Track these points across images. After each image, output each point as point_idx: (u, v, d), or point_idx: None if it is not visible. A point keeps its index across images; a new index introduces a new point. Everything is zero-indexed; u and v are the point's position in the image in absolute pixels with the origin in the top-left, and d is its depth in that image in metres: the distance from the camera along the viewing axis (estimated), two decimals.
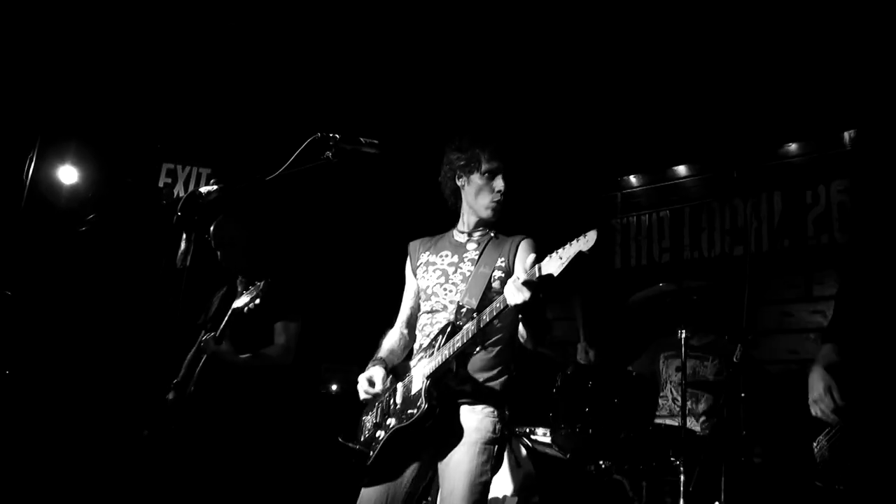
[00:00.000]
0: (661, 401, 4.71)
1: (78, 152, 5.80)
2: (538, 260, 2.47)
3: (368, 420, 3.00)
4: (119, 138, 5.96)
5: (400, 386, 2.92)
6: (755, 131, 5.39)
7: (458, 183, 3.08)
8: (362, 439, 2.97)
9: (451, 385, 2.80)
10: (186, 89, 5.84)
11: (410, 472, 2.87)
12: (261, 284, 3.81)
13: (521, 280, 2.47)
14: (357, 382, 3.01)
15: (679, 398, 4.53)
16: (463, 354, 2.78)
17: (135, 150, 6.01)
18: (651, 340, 4.95)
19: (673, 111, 5.54)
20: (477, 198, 3.04)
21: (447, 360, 2.74)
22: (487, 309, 2.66)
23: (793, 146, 5.43)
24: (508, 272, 2.93)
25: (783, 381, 4.66)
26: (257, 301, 3.78)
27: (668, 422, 4.50)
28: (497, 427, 2.80)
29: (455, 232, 3.16)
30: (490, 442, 2.76)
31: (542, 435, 4.70)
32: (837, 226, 5.14)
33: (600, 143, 6.02)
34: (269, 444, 4.02)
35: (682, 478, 3.68)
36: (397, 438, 2.82)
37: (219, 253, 4.17)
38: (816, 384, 2.75)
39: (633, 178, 6.27)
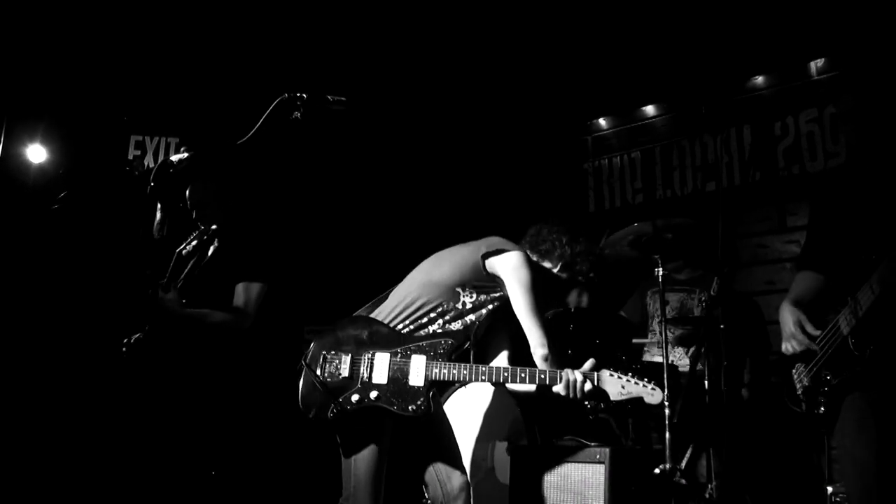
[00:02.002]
0: (649, 335, 4.78)
1: (46, 131, 5.70)
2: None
3: (333, 365, 2.93)
4: (85, 114, 5.86)
5: (388, 359, 2.91)
6: (721, 66, 5.38)
7: (548, 258, 3.21)
8: (324, 380, 2.91)
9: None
10: (149, 59, 5.74)
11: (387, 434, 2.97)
12: (203, 228, 3.72)
13: (587, 389, 2.82)
14: None
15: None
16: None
17: (102, 124, 5.92)
18: (637, 283, 5.00)
19: (638, 50, 5.52)
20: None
21: (454, 381, 2.88)
22: (528, 371, 2.91)
23: (759, 79, 5.44)
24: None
25: (764, 310, 4.74)
26: (194, 243, 3.72)
27: (657, 358, 4.56)
28: None
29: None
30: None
31: None
32: (808, 156, 5.18)
33: (568, 88, 6.00)
34: (232, 409, 3.94)
35: (666, 412, 3.75)
36: (377, 412, 2.88)
37: (194, 213, 4.04)
38: (787, 321, 2.79)
39: (602, 121, 6.27)
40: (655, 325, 4.76)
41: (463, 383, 2.97)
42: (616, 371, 2.88)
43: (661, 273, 4.09)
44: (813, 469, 4.12)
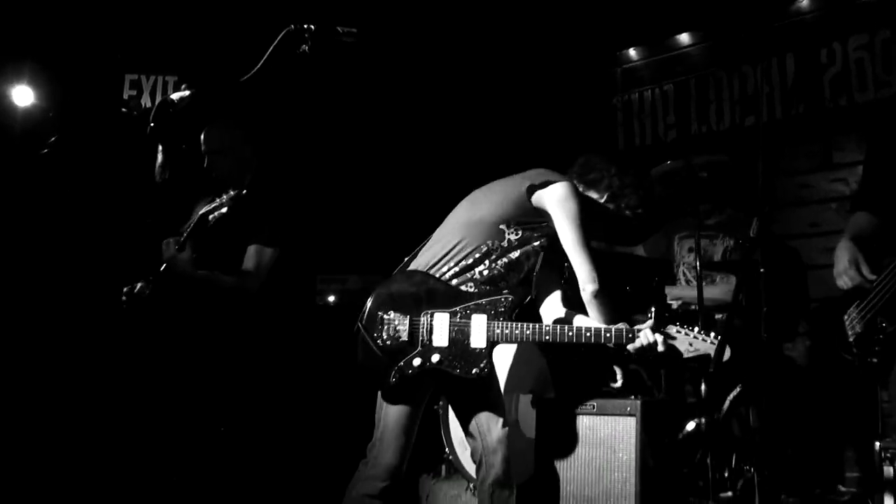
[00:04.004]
0: (676, 284, 4.78)
1: (32, 71, 5.68)
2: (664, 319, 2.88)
3: (392, 328, 2.96)
4: (75, 52, 5.84)
5: (447, 320, 2.93)
6: None
7: (597, 188, 3.22)
8: (383, 344, 2.95)
9: None
10: None
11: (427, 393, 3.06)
12: (233, 193, 3.75)
13: (659, 353, 2.86)
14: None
15: (693, 280, 4.61)
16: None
17: (93, 63, 5.89)
18: (663, 222, 4.99)
19: None
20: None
21: (517, 339, 2.92)
22: (594, 330, 2.93)
23: (804, 1, 5.33)
24: None
25: (806, 254, 4.72)
26: (223, 210, 3.74)
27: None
28: None
29: None
30: None
31: None
32: (857, 86, 5.09)
33: (594, 16, 5.91)
34: (240, 367, 4.01)
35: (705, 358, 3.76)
36: (437, 374, 2.93)
37: (207, 160, 4.08)
38: (842, 256, 2.79)
39: (632, 52, 6.18)
40: (682, 273, 4.77)
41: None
42: (683, 327, 2.90)
43: (698, 213, 4.07)
44: (863, 423, 4.14)
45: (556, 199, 3.03)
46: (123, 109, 5.74)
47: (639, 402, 3.50)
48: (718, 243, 4.70)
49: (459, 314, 2.94)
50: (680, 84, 5.92)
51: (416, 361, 2.91)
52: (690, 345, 2.89)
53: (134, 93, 5.96)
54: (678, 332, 2.91)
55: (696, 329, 2.92)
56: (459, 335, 2.92)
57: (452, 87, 6.22)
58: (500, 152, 5.81)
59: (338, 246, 5.85)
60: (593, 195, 3.20)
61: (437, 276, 3.03)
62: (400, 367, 2.91)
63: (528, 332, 2.91)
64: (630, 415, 3.49)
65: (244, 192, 3.76)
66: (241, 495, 4.15)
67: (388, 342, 2.94)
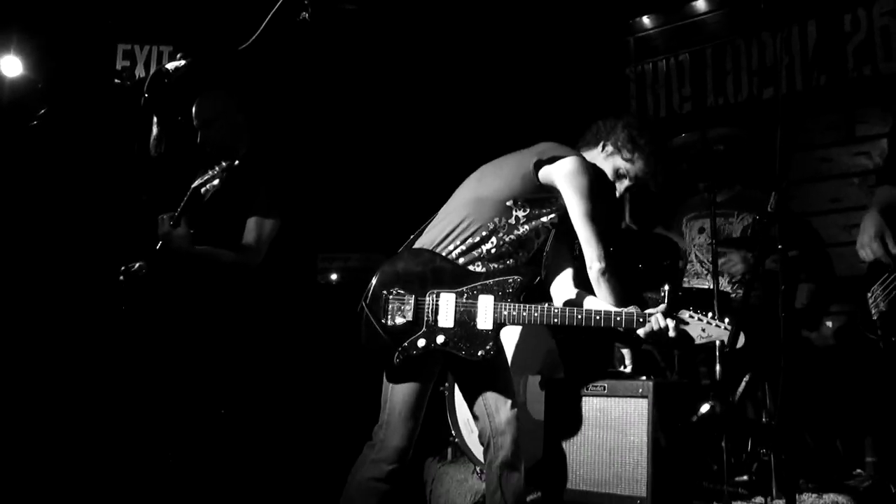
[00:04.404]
0: (688, 266, 4.79)
1: (20, 40, 5.68)
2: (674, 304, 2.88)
3: (396, 307, 2.99)
4: (65, 21, 5.83)
5: (453, 301, 2.96)
6: None
7: (601, 144, 3.22)
8: (387, 324, 2.98)
9: None
10: None
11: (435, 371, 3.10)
12: (225, 164, 3.76)
13: (670, 339, 2.86)
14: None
15: (706, 260, 4.62)
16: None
17: (84, 32, 5.89)
18: (678, 203, 4.99)
19: None
20: (610, 176, 3.20)
21: (524, 322, 2.93)
22: (603, 313, 2.92)
23: None
24: None
25: (826, 231, 4.73)
26: (216, 182, 3.75)
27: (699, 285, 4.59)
28: None
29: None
30: None
31: None
32: (882, 55, 5.07)
33: None
34: (241, 347, 4.02)
35: (716, 342, 3.78)
36: (442, 355, 2.98)
37: (200, 134, 4.09)
38: (868, 227, 2.79)
39: (646, 20, 6.15)
40: (694, 255, 4.77)
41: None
42: (696, 312, 2.92)
43: (710, 190, 4.07)
44: (887, 404, 4.16)
45: (564, 174, 3.04)
46: (116, 80, 5.74)
47: (651, 383, 3.52)
48: (735, 221, 4.70)
49: (466, 294, 2.96)
50: (696, 53, 5.90)
51: (421, 342, 2.94)
52: (703, 330, 2.90)
53: (127, 63, 5.96)
54: (691, 317, 2.93)
55: (710, 315, 2.94)
56: (465, 316, 2.94)
57: (460, 58, 6.20)
58: (509, 125, 5.81)
59: (340, 223, 5.86)
60: (603, 162, 3.20)
61: (444, 254, 3.05)
62: (404, 348, 2.94)
63: (535, 314, 2.93)
64: (642, 396, 3.52)
65: (237, 162, 3.76)
66: (242, 478, 4.19)
67: (393, 322, 2.97)
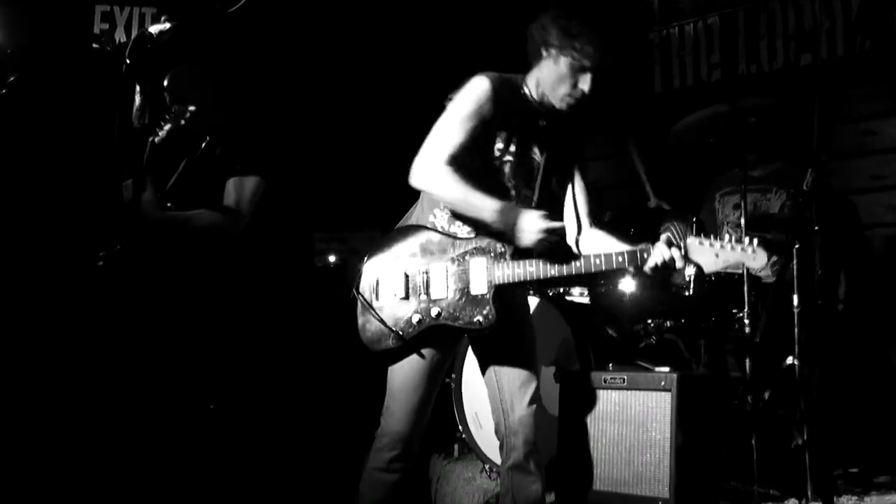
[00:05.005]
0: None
1: None
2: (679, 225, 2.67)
3: (387, 288, 3.05)
4: None
5: (449, 268, 2.99)
6: None
7: (543, 53, 3.11)
8: (382, 306, 3.04)
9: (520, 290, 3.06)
10: None
11: (446, 358, 3.13)
12: (183, 109, 3.79)
13: (678, 266, 2.78)
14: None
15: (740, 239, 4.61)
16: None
17: None
18: (708, 181, 4.98)
19: None
20: (556, 86, 3.08)
21: (529, 280, 2.92)
22: (603, 256, 2.87)
23: None
24: None
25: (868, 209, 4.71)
26: (167, 127, 3.76)
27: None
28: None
29: (532, 99, 3.18)
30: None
31: (579, 295, 4.82)
32: None
33: None
34: (230, 330, 4.04)
35: (746, 331, 3.79)
36: (441, 330, 2.99)
37: (173, 109, 4.09)
38: None
39: None
40: (724, 233, 4.77)
41: (533, 283, 3.01)
42: (706, 238, 2.81)
43: (743, 164, 4.07)
44: None
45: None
46: (94, 45, 5.73)
47: (675, 375, 3.52)
48: (773, 197, 4.69)
49: (457, 262, 2.99)
50: (726, 17, 5.87)
51: (416, 318, 2.98)
52: (717, 255, 2.75)
53: (106, 26, 5.96)
54: (700, 244, 2.81)
55: (725, 238, 2.82)
56: (459, 283, 2.97)
57: (463, 25, 6.18)
58: None
59: (338, 201, 5.87)
60: (552, 55, 3.09)
61: (430, 225, 3.09)
62: (401, 328, 2.98)
63: (531, 268, 2.91)
64: (664, 390, 3.52)
65: (191, 108, 3.77)
66: (238, 477, 4.21)
67: (386, 303, 3.03)
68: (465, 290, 2.96)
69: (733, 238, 2.79)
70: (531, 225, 2.84)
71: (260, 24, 5.02)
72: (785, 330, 3.67)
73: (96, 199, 4.99)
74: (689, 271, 3.06)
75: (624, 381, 3.64)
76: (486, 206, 2.90)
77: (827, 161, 3.85)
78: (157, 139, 3.77)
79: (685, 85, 6.04)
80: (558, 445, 3.76)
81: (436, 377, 3.09)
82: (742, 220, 4.01)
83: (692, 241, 2.82)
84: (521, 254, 2.93)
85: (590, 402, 3.69)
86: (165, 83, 4.08)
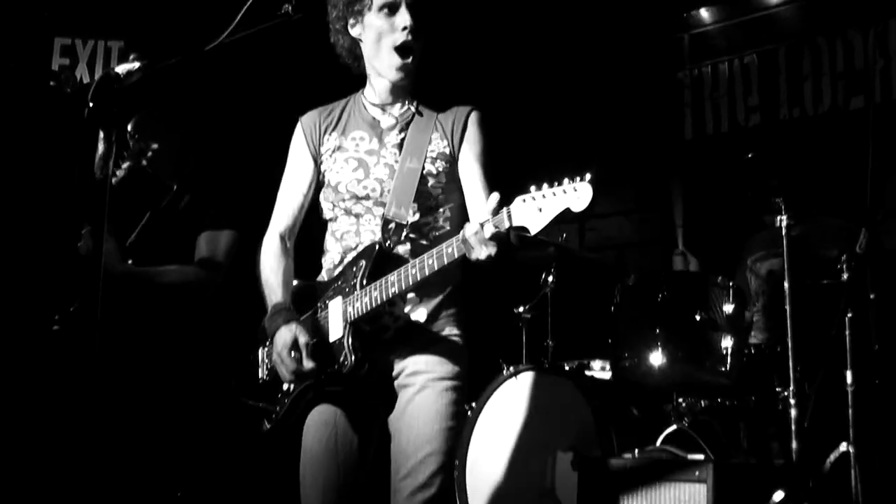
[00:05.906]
0: (754, 318, 4.78)
1: None
2: (504, 202, 2.52)
3: (265, 361, 3.07)
4: None
5: (309, 324, 2.93)
6: None
7: (354, 33, 3.03)
8: (267, 378, 3.04)
9: (386, 324, 2.91)
10: None
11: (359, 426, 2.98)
12: (143, 146, 3.84)
13: (488, 235, 2.52)
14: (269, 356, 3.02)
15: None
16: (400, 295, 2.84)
17: (13, 22, 5.94)
18: (744, 239, 4.99)
19: None
20: (378, 50, 2.97)
21: (377, 305, 2.79)
22: (434, 253, 2.68)
23: None
24: (451, 160, 3.00)
25: None
26: (127, 164, 3.83)
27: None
28: (464, 356, 2.94)
29: (366, 103, 3.13)
30: (456, 377, 2.89)
31: (600, 369, 4.81)
32: None
33: None
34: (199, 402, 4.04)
35: (792, 413, 3.77)
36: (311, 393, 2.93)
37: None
38: None
39: (704, 13, 6.21)
40: (761, 304, 4.76)
41: (390, 310, 2.90)
42: (528, 193, 2.50)
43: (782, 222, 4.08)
44: None
45: None
46: (52, 83, 5.78)
47: (710, 464, 3.49)
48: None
49: (320, 308, 2.96)
50: (765, 54, 5.94)
51: (285, 386, 2.94)
52: (540, 210, 2.47)
53: (66, 61, 6.01)
54: (523, 202, 2.49)
55: (546, 185, 2.50)
56: (321, 334, 2.89)
57: (480, 55, 6.25)
58: (536, 139, 5.85)
59: (312, 253, 5.87)
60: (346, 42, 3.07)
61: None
62: (275, 401, 2.96)
63: (375, 293, 2.79)
64: (699, 481, 3.48)
65: (154, 146, 3.86)
66: None
67: (269, 375, 3.04)
68: (323, 338, 2.87)
69: (555, 184, 2.47)
70: (279, 344, 2.84)
71: (234, 66, 5.07)
72: (837, 411, 3.65)
73: (51, 253, 5.01)
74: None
75: (652, 471, 3.61)
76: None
77: (883, 220, 3.86)
78: (114, 180, 3.79)
79: (720, 131, 6.09)
80: None
81: (347, 451, 2.95)
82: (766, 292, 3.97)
83: (515, 203, 2.51)
84: (374, 276, 2.83)
85: (613, 495, 3.66)
86: (130, 127, 4.12)
